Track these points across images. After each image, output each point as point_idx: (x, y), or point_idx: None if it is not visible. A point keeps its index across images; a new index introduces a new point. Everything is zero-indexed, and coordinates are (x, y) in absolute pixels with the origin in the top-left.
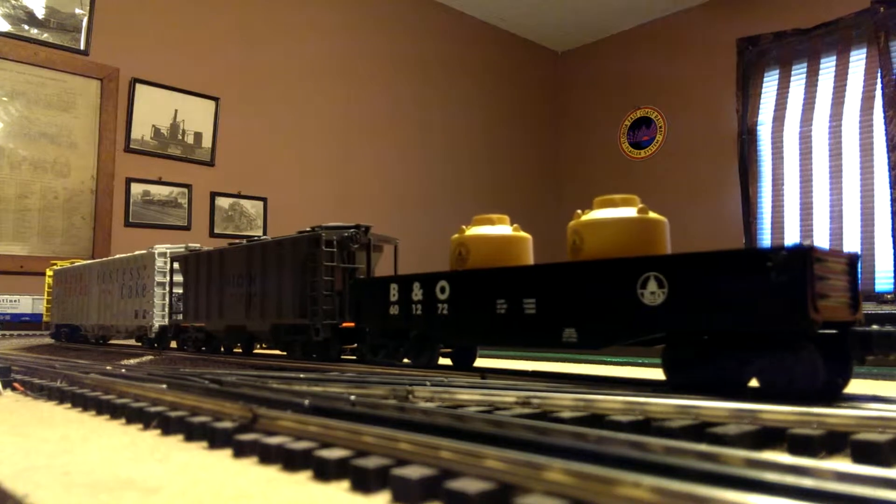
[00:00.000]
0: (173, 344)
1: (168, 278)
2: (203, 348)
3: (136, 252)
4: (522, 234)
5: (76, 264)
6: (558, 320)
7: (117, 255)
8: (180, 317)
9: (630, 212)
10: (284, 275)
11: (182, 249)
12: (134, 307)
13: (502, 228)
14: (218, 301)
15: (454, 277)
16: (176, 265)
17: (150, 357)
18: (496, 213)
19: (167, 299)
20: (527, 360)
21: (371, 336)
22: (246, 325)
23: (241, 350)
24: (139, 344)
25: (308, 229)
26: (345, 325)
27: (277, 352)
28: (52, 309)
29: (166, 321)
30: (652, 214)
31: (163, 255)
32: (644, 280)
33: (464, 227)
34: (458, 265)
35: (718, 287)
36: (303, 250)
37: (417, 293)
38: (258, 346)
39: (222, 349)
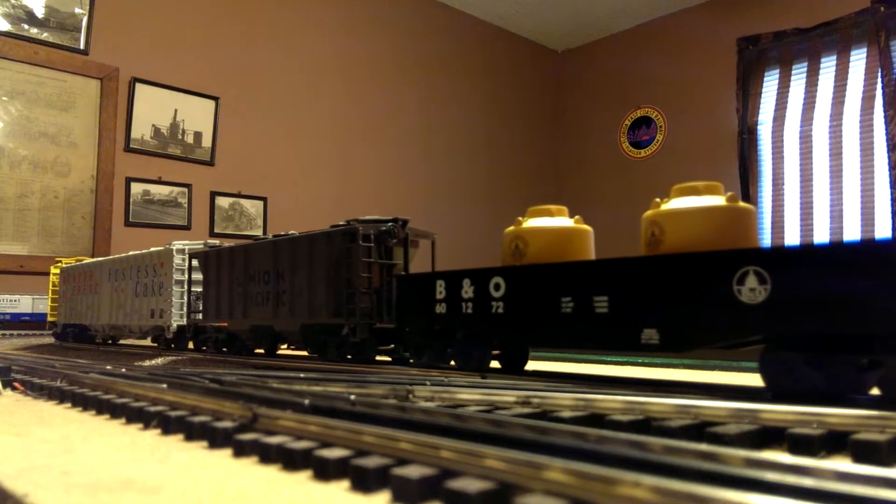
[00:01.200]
0: (190, 345)
1: (186, 276)
2: (224, 349)
3: (152, 248)
4: (584, 226)
5: (86, 262)
6: (636, 320)
7: (131, 252)
8: (199, 316)
9: (716, 200)
10: (316, 272)
11: (201, 246)
12: (150, 306)
13: (562, 220)
14: (242, 300)
15: (511, 273)
16: (195, 262)
17: (172, 358)
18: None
19: (185, 298)
20: (583, 363)
21: (413, 337)
22: (273, 325)
23: (262, 351)
24: (154, 344)
25: (343, 223)
26: (378, 325)
27: (305, 353)
28: (58, 308)
29: (184, 321)
30: (741, 203)
31: (181, 251)
32: (742, 275)
33: (520, 218)
34: (513, 260)
35: (835, 283)
36: (337, 245)
37: (468, 290)
38: (287, 347)
39: (244, 350)
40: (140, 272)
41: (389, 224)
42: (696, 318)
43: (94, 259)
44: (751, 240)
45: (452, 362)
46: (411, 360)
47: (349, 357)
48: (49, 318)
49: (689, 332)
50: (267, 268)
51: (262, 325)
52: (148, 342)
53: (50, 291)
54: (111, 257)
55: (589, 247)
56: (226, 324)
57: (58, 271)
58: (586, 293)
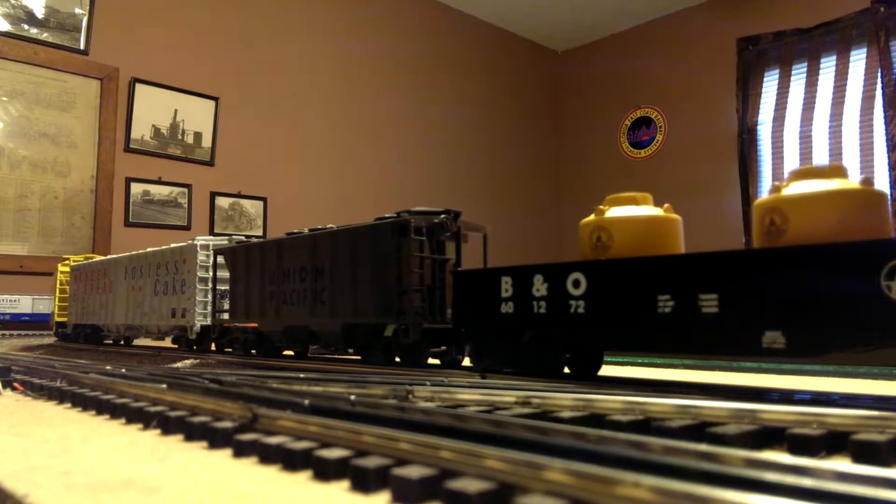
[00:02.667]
0: (212, 346)
1: (210, 274)
2: (253, 351)
3: (173, 245)
4: (674, 215)
5: (99, 259)
6: (755, 321)
7: (149, 249)
8: (225, 316)
9: (846, 183)
10: (361, 268)
11: (225, 242)
12: (171, 305)
13: (649, 209)
14: (274, 298)
15: (594, 268)
16: (220, 259)
17: (199, 359)
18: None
19: (210, 297)
20: (659, 367)
21: (473, 338)
22: (310, 326)
23: (293, 353)
24: (175, 346)
25: (392, 214)
26: (428, 325)
27: (343, 355)
28: (69, 308)
29: (208, 321)
30: (876, 188)
31: (205, 247)
32: (891, 270)
33: (601, 207)
34: (595, 254)
35: None
36: (385, 239)
37: (540, 288)
38: (329, 350)
39: (274, 352)
40: (160, 269)
41: (442, 216)
42: (833, 318)
43: (109, 256)
44: (887, 230)
45: (515, 366)
46: (475, 365)
47: (397, 360)
48: (57, 319)
49: (823, 334)
50: (304, 264)
51: (297, 325)
52: (165, 343)
53: (57, 290)
54: (127, 254)
55: (680, 238)
56: (255, 324)
57: (66, 269)
58: (691, 290)
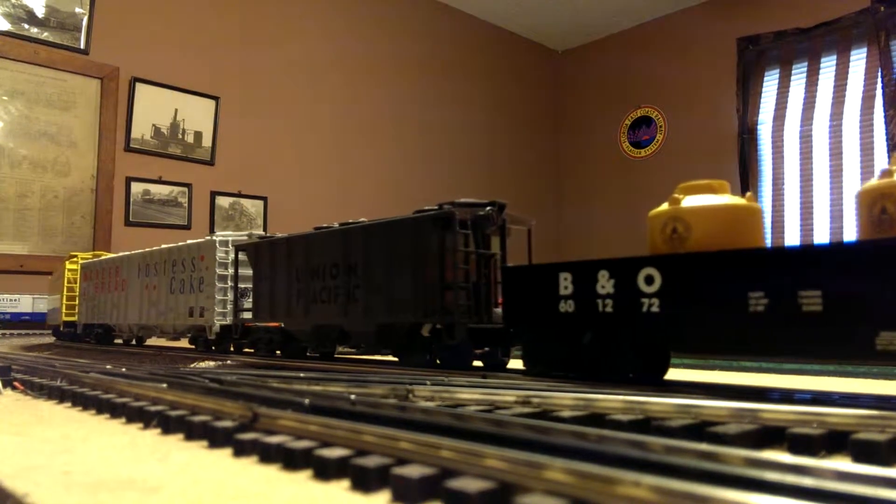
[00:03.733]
0: (231, 346)
1: (230, 270)
2: (278, 352)
3: (190, 241)
4: (755, 204)
5: (111, 256)
6: (867, 321)
7: (164, 245)
8: (247, 315)
9: None
10: (399, 264)
11: (245, 238)
12: (188, 304)
13: (729, 198)
14: (302, 297)
15: (670, 263)
16: (242, 255)
17: (222, 361)
18: None
19: (230, 295)
20: (751, 372)
21: (526, 339)
22: (343, 325)
23: (318, 354)
24: (192, 346)
25: (433, 207)
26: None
27: (375, 357)
28: (78, 307)
29: (227, 320)
30: None
31: (224, 243)
32: None
33: (676, 195)
34: (670, 247)
35: None
36: (427, 233)
37: (606, 285)
38: (355, 350)
39: (299, 353)
40: (176, 267)
41: (488, 208)
42: None
43: (121, 253)
44: None
45: (552, 370)
46: (528, 368)
47: (438, 362)
48: (64, 318)
49: None
50: (335, 260)
51: (327, 324)
52: (180, 343)
53: (65, 288)
54: (140, 251)
55: (761, 230)
56: (280, 324)
57: (74, 267)
58: (788, 287)
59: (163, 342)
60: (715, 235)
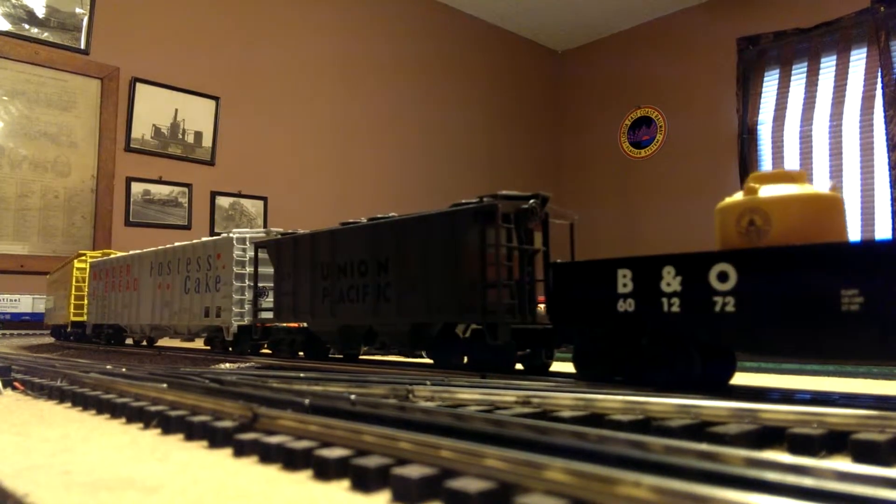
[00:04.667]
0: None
1: (248, 269)
2: (301, 353)
3: (206, 238)
4: (838, 195)
5: (121, 255)
6: None
7: (177, 243)
8: (268, 315)
9: None
10: (436, 260)
11: (263, 234)
12: (204, 304)
13: (809, 188)
14: (328, 295)
15: (748, 258)
16: (262, 253)
17: (246, 363)
18: None
19: (248, 294)
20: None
21: (579, 341)
22: (373, 325)
23: (342, 356)
24: (207, 347)
25: (474, 200)
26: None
27: (405, 358)
28: (88, 307)
29: (246, 320)
30: None
31: (242, 240)
32: None
33: (752, 185)
34: (746, 241)
35: None
36: (467, 228)
37: (672, 282)
38: (381, 352)
39: (322, 354)
40: (191, 265)
41: (531, 201)
42: None
43: (132, 252)
44: None
45: (618, 374)
46: (579, 372)
47: (476, 363)
48: (72, 318)
49: None
50: (363, 257)
51: (356, 325)
52: (195, 344)
53: (73, 288)
54: (153, 249)
55: (845, 222)
56: (302, 324)
57: (82, 266)
58: (890, 285)
59: (175, 343)
60: (798, 228)
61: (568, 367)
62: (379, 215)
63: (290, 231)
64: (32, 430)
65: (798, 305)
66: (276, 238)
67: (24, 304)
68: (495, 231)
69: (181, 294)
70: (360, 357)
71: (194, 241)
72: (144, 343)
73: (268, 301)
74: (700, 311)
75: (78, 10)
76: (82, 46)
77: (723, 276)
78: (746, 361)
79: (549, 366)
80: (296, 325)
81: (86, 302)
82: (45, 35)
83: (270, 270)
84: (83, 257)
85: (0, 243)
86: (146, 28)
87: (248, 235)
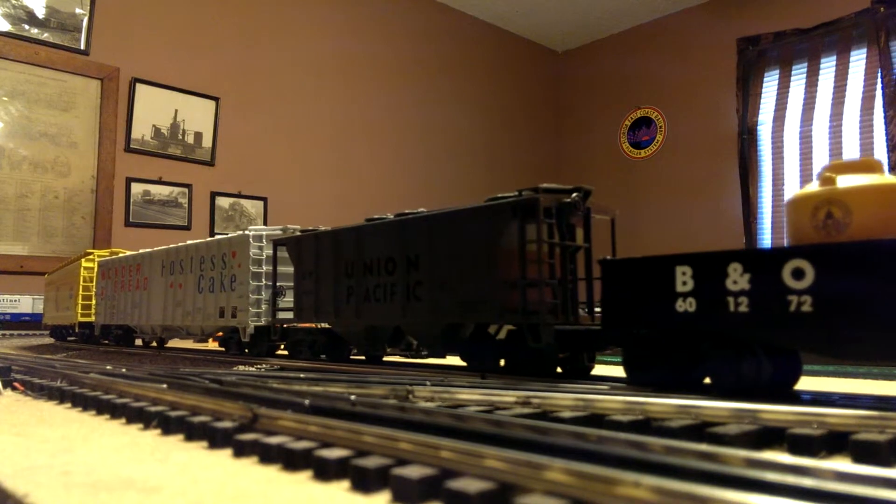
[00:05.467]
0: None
1: (265, 268)
2: (323, 355)
3: (219, 236)
4: None
5: (130, 254)
6: None
7: (190, 241)
8: (287, 315)
9: None
10: (471, 257)
11: (279, 231)
12: (219, 304)
13: (891, 177)
14: (353, 295)
15: (828, 254)
16: (281, 251)
17: (267, 364)
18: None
19: (265, 294)
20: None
21: (631, 343)
22: (401, 326)
23: (364, 358)
24: (222, 349)
25: (511, 194)
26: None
27: (429, 360)
28: (96, 307)
29: (263, 321)
30: None
31: (258, 237)
32: None
33: (828, 174)
34: (823, 235)
35: None
36: (505, 223)
37: (739, 280)
38: (406, 353)
39: (343, 356)
40: (205, 264)
41: (574, 194)
42: None
43: (142, 250)
44: None
45: (704, 379)
46: (632, 376)
47: (515, 365)
48: (80, 318)
49: None
50: (392, 254)
51: (383, 325)
52: (209, 345)
53: (81, 288)
54: (164, 248)
55: None
56: (325, 324)
57: (90, 265)
58: None
59: (186, 344)
60: (881, 220)
61: (609, 371)
62: (407, 211)
63: (310, 228)
64: (32, 431)
65: (888, 304)
66: (297, 235)
67: (24, 304)
68: (536, 226)
69: (194, 294)
70: (384, 359)
71: (208, 238)
72: (154, 344)
73: (285, 301)
74: (772, 311)
75: (78, 11)
76: (82, 47)
77: (798, 273)
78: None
79: (591, 369)
80: (315, 325)
81: (93, 302)
82: (45, 35)
83: (288, 269)
84: (91, 256)
85: (0, 244)
86: (146, 28)
87: (264, 233)
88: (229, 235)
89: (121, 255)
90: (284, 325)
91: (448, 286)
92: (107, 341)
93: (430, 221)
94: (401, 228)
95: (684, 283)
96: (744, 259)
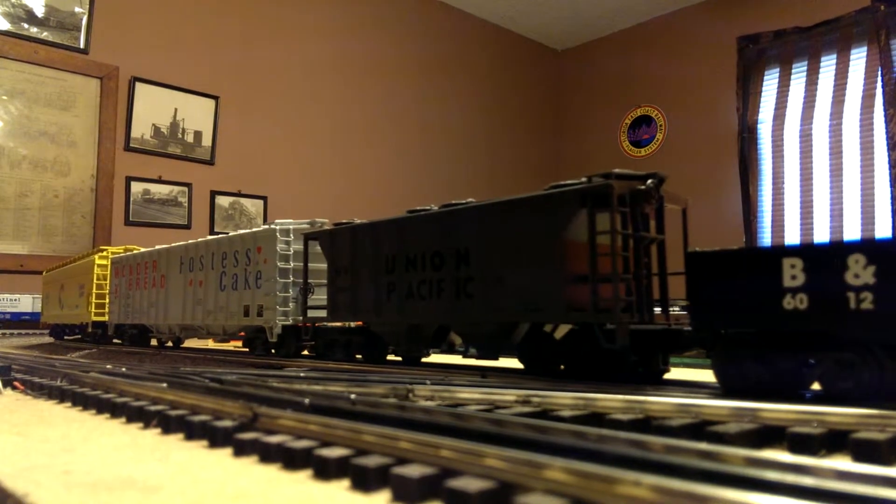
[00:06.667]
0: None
1: (292, 263)
2: (358, 356)
3: (242, 231)
4: None
5: (146, 250)
6: None
7: (210, 237)
8: (319, 313)
9: None
10: (530, 250)
11: (306, 226)
12: (243, 302)
13: None
14: (394, 291)
15: None
16: (313, 246)
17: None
18: None
19: (292, 291)
20: None
21: (724, 345)
22: (451, 325)
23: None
24: (245, 349)
25: (579, 180)
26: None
27: (478, 361)
28: (110, 306)
29: (290, 320)
30: None
31: (286, 232)
32: None
33: None
34: None
35: None
36: (572, 212)
37: (861, 273)
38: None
39: (378, 357)
40: (227, 260)
41: (649, 181)
42: None
43: (159, 246)
44: None
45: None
46: (722, 381)
47: (586, 368)
48: (93, 318)
49: None
50: (438, 247)
51: (427, 324)
52: (230, 346)
53: (94, 286)
54: (183, 243)
55: None
56: (362, 323)
57: (104, 262)
58: None
59: (205, 344)
60: None
61: (684, 375)
62: (455, 201)
63: (345, 221)
64: (32, 430)
65: None
66: (331, 228)
67: (24, 303)
68: (610, 215)
69: (216, 291)
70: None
71: (230, 233)
72: (170, 344)
73: (313, 298)
74: None
75: (77, 10)
76: (81, 46)
77: None
78: None
79: (665, 373)
80: (347, 325)
81: (107, 301)
82: (45, 34)
83: (315, 265)
84: (104, 253)
85: (0, 243)
86: (145, 27)
87: (291, 226)
88: (254, 230)
89: (135, 251)
90: (316, 325)
91: (504, 282)
92: (119, 341)
93: (483, 212)
94: (449, 220)
95: (793, 278)
96: (867, 250)
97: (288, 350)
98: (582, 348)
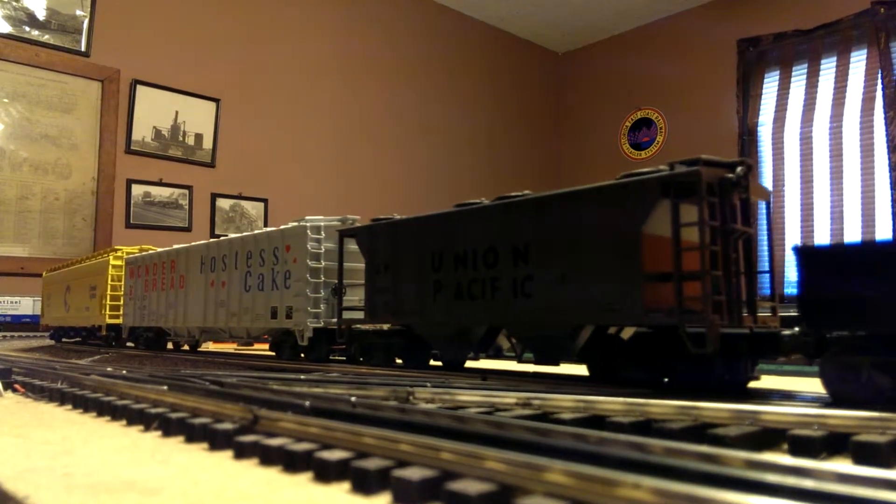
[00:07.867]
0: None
1: (323, 263)
2: (399, 360)
3: (271, 228)
4: None
5: (164, 249)
6: None
7: (233, 235)
8: (355, 315)
9: None
10: (600, 245)
11: (337, 223)
12: (270, 304)
13: None
14: (441, 291)
15: None
16: (349, 244)
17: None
18: None
19: (323, 292)
20: None
21: (839, 350)
22: (506, 328)
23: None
24: (272, 353)
25: (658, 168)
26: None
27: (539, 367)
28: (123, 308)
29: (321, 322)
30: None
31: (316, 229)
32: None
33: None
34: None
35: None
36: (651, 203)
37: None
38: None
39: (420, 361)
40: (252, 259)
41: (738, 169)
42: None
43: (178, 245)
44: None
45: None
46: (833, 388)
47: (675, 375)
48: (108, 321)
49: None
50: (493, 243)
51: (479, 326)
52: (253, 349)
53: (109, 288)
54: (204, 242)
55: None
56: (404, 325)
57: (118, 263)
58: None
59: (227, 347)
60: None
61: (770, 383)
62: (513, 193)
63: (383, 217)
64: (33, 433)
65: None
66: (370, 224)
67: (25, 306)
68: (698, 206)
69: (240, 292)
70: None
71: (256, 231)
72: (186, 348)
73: (347, 299)
74: None
75: (78, 13)
76: (83, 49)
77: None
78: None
79: (752, 381)
80: (383, 327)
81: (121, 303)
82: (46, 37)
83: (348, 265)
84: (118, 253)
85: (0, 245)
86: (146, 30)
87: (322, 224)
88: (282, 227)
89: (150, 251)
90: (351, 327)
91: (568, 280)
92: (132, 344)
93: (544, 204)
94: (505, 214)
95: None
96: None
97: (319, 354)
98: (658, 353)
